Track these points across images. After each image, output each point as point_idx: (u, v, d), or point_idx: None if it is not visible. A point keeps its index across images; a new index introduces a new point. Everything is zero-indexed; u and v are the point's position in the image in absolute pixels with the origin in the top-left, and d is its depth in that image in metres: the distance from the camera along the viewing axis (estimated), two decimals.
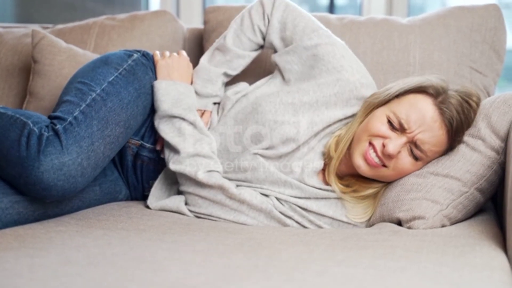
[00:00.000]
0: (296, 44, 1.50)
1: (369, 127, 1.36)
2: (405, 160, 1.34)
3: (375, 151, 1.34)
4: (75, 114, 1.34)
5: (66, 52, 1.80)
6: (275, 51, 1.56)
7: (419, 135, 1.32)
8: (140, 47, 1.85)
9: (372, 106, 1.40)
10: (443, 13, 1.75)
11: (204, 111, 1.53)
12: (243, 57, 1.56)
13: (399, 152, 1.33)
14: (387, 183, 1.41)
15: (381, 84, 1.60)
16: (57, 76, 1.79)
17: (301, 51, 1.49)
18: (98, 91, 1.40)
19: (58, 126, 1.29)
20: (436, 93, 1.34)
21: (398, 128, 1.33)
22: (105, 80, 1.43)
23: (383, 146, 1.33)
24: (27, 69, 1.92)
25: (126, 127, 1.44)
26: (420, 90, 1.36)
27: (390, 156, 1.33)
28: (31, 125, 1.29)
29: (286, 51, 1.51)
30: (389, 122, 1.35)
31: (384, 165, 1.35)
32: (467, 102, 1.34)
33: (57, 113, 1.35)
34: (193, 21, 2.91)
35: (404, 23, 1.77)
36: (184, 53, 1.60)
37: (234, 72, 1.57)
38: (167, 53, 1.58)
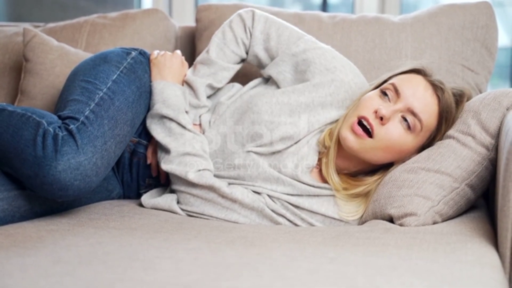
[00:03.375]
0: (283, 54, 1.51)
1: (360, 104, 1.38)
2: (395, 130, 1.34)
3: (367, 119, 1.34)
4: (86, 114, 1.34)
5: (57, 51, 1.80)
6: (259, 65, 1.57)
7: (414, 103, 1.34)
8: (132, 46, 1.84)
9: (363, 95, 1.43)
10: (435, 11, 1.75)
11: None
12: (228, 70, 1.56)
13: (390, 119, 1.34)
14: (377, 180, 1.41)
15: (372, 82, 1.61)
16: (49, 75, 1.78)
17: (290, 59, 1.50)
18: (105, 89, 1.40)
19: (72, 126, 1.29)
20: (427, 73, 1.41)
21: (392, 94, 1.36)
22: (109, 79, 1.43)
23: (375, 112, 1.34)
24: (18, 68, 1.91)
25: (132, 126, 1.45)
26: (410, 71, 1.42)
27: (382, 120, 1.33)
28: (46, 124, 1.28)
29: (275, 62, 1.52)
30: (382, 93, 1.37)
31: (371, 136, 1.34)
32: (454, 92, 1.40)
33: (68, 113, 1.34)
34: (185, 19, 2.92)
35: (395, 21, 1.77)
36: (178, 52, 1.60)
37: (218, 85, 1.56)
38: (162, 52, 1.58)
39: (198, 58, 1.58)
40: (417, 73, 1.42)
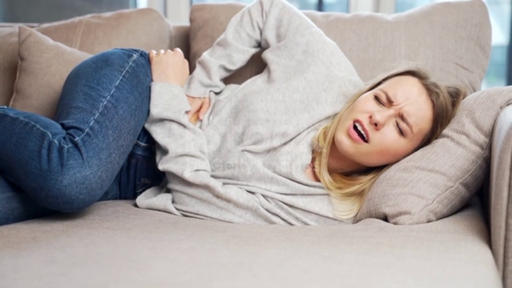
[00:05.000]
0: (288, 40, 1.54)
1: (355, 106, 1.38)
2: (390, 135, 1.35)
3: (361, 124, 1.35)
4: (90, 124, 1.33)
5: (53, 50, 1.79)
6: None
7: (406, 107, 1.34)
8: (126, 45, 1.84)
9: (358, 95, 1.43)
10: (428, 9, 1.76)
11: (204, 98, 1.56)
12: (242, 52, 1.59)
13: (384, 124, 1.34)
14: (371, 179, 1.41)
15: (367, 81, 1.60)
16: (45, 74, 1.77)
17: (292, 46, 1.53)
18: (108, 97, 1.40)
19: (77, 138, 1.28)
20: (422, 75, 1.41)
21: (385, 102, 1.36)
22: (112, 85, 1.43)
23: (370, 117, 1.34)
24: (13, 68, 1.90)
25: (134, 134, 1.45)
26: (405, 73, 1.42)
27: (376, 126, 1.33)
28: (51, 136, 1.27)
29: (277, 46, 1.55)
30: (376, 99, 1.37)
31: (366, 141, 1.35)
32: (450, 91, 1.39)
33: (72, 122, 1.33)
34: (180, 19, 2.91)
35: (389, 19, 1.77)
36: (179, 50, 1.61)
37: (233, 67, 1.60)
38: (162, 51, 1.58)
39: (217, 40, 1.62)
40: (412, 75, 1.42)
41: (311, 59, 1.49)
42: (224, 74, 1.61)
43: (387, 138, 1.35)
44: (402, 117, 1.34)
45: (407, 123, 1.34)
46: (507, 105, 1.33)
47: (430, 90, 1.37)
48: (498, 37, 3.29)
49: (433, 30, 1.71)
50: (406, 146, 1.37)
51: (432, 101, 1.36)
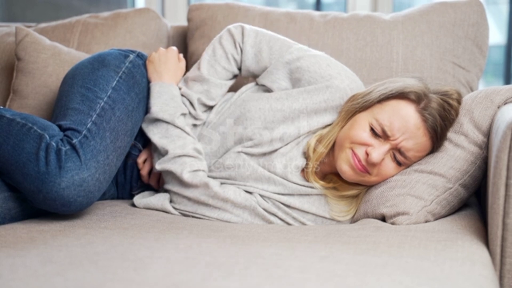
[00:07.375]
0: (276, 62, 1.49)
1: (351, 134, 1.35)
2: (389, 166, 1.35)
3: (359, 160, 1.34)
4: (88, 126, 1.33)
5: (50, 50, 1.79)
6: (254, 78, 1.56)
7: (403, 142, 1.32)
8: (124, 45, 1.84)
9: (353, 110, 1.39)
10: (426, 9, 1.76)
11: None
12: (220, 86, 1.53)
13: (382, 159, 1.33)
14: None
15: (364, 80, 1.61)
16: (42, 74, 1.77)
17: (284, 66, 1.48)
18: (105, 98, 1.39)
19: (75, 140, 1.28)
20: (417, 99, 1.34)
21: (381, 135, 1.33)
22: (109, 86, 1.42)
23: (366, 154, 1.33)
24: (9, 68, 1.90)
25: (131, 136, 1.45)
26: (401, 96, 1.35)
27: (374, 164, 1.33)
28: (48, 138, 1.27)
29: (268, 71, 1.50)
30: (372, 130, 1.34)
31: (368, 172, 1.35)
32: (448, 103, 1.34)
33: (69, 124, 1.33)
34: (178, 18, 2.91)
35: (387, 19, 1.77)
36: (173, 47, 1.59)
37: (211, 102, 1.53)
38: (162, 49, 1.57)
39: (190, 75, 1.55)
40: (407, 98, 1.34)
41: (308, 74, 1.44)
42: (202, 109, 1.54)
43: (386, 169, 1.35)
44: (399, 151, 1.33)
45: (405, 156, 1.34)
46: (505, 104, 1.33)
47: (427, 120, 1.31)
48: (496, 37, 3.29)
49: (431, 29, 1.71)
50: (406, 167, 1.37)
51: (430, 132, 1.32)
